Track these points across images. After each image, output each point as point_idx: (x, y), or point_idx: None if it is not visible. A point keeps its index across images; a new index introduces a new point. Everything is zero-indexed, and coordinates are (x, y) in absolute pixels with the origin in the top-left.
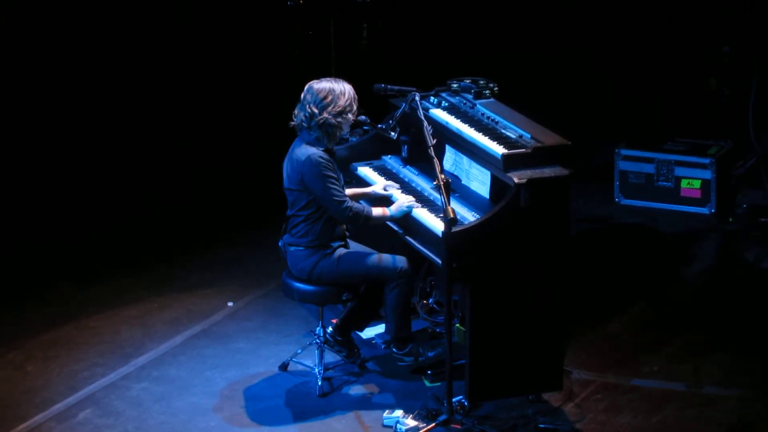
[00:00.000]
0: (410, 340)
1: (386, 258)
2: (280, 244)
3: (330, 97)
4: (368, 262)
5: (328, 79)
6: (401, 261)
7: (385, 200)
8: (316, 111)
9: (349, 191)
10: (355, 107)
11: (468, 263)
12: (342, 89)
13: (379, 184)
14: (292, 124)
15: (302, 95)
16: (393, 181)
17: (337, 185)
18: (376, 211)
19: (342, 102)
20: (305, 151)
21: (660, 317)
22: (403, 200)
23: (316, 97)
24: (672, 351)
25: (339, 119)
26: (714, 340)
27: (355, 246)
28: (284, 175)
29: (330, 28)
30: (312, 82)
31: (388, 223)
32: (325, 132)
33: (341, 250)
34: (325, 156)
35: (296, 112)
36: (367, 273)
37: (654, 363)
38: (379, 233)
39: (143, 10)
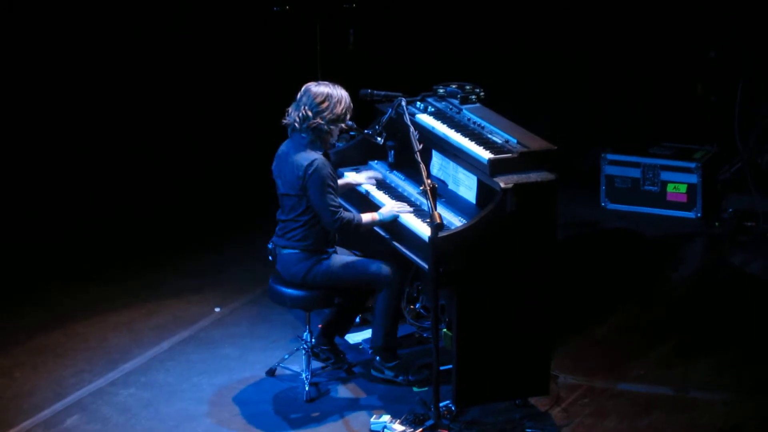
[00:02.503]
0: (398, 356)
1: (374, 265)
2: (269, 246)
3: (327, 103)
4: (357, 269)
5: (326, 83)
6: (389, 268)
7: (374, 205)
8: (310, 114)
9: None
10: (348, 116)
11: (455, 268)
12: (339, 96)
13: (359, 175)
14: (285, 122)
15: (298, 95)
16: (380, 186)
17: (334, 195)
18: (366, 217)
19: (338, 110)
20: (307, 156)
21: (646, 321)
22: (392, 204)
23: (312, 101)
24: (659, 355)
25: (332, 126)
26: (700, 344)
27: (343, 252)
28: (278, 180)
29: (316, 33)
30: (310, 84)
31: (376, 228)
32: (316, 136)
33: (335, 256)
34: (329, 164)
35: (290, 110)
36: (356, 279)
37: (641, 367)
38: (366, 239)
39: (134, 13)
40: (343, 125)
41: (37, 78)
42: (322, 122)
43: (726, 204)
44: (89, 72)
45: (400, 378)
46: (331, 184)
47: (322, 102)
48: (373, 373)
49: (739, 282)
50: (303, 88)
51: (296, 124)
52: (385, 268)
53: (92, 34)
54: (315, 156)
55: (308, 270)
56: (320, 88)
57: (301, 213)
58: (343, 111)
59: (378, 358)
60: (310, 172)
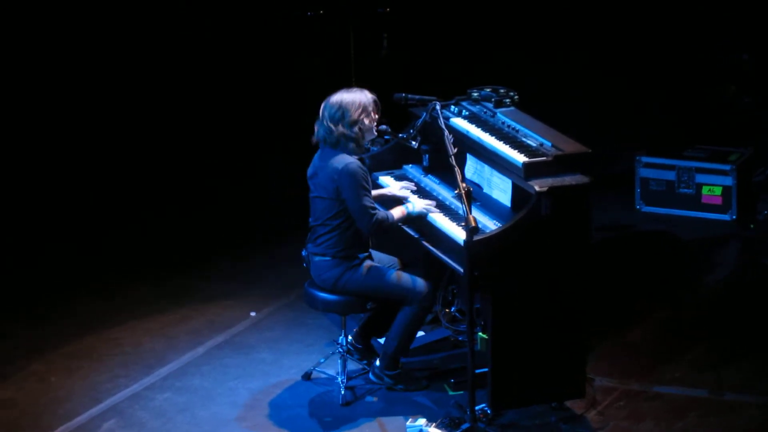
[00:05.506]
0: (400, 365)
1: (409, 279)
2: (303, 253)
3: (341, 111)
4: (392, 281)
5: (342, 90)
6: (424, 286)
7: (399, 202)
8: (332, 126)
9: None
10: (371, 111)
11: (490, 272)
12: (352, 99)
13: (394, 185)
14: (315, 140)
15: (320, 111)
16: (415, 191)
17: (370, 197)
18: (396, 212)
19: (354, 112)
20: (343, 160)
21: (681, 324)
22: (420, 201)
23: (330, 112)
24: (694, 358)
25: (355, 129)
26: (735, 347)
27: (377, 256)
28: (311, 183)
29: (350, 38)
30: (328, 97)
31: (406, 229)
32: (347, 142)
33: (368, 263)
34: (362, 166)
35: (316, 128)
36: (389, 291)
37: (676, 370)
38: (401, 243)
39: (154, 15)
40: (367, 122)
41: (69, 85)
42: (344, 129)
43: (761, 206)
44: (119, 79)
45: (399, 386)
46: (366, 186)
47: (338, 111)
48: (371, 377)
49: None
50: (323, 103)
51: (327, 139)
52: (420, 284)
53: (117, 39)
54: (350, 160)
55: (339, 277)
56: (335, 98)
57: (332, 217)
58: (359, 111)
59: (379, 363)
60: (344, 174)
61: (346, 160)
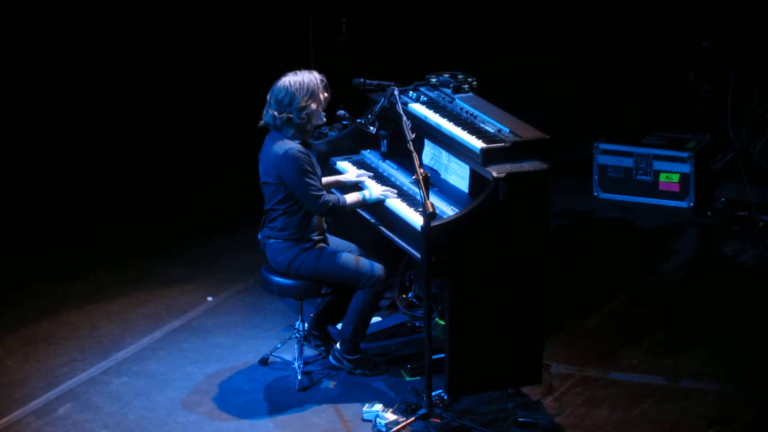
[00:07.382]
0: (360, 350)
1: (365, 263)
2: (259, 236)
3: (289, 97)
4: (346, 264)
5: (290, 74)
6: (379, 269)
7: (358, 188)
8: (276, 112)
9: (323, 180)
10: (319, 94)
11: (447, 257)
12: (299, 83)
13: (351, 172)
14: (261, 124)
15: (267, 96)
16: (372, 175)
17: (314, 180)
18: (351, 197)
19: (301, 98)
20: (283, 145)
21: (639, 311)
22: (378, 187)
23: (277, 98)
24: (651, 345)
25: (302, 115)
26: (693, 334)
27: (334, 241)
28: (260, 169)
29: (309, 24)
30: (276, 81)
31: (363, 213)
32: (296, 129)
33: (321, 246)
34: (303, 150)
35: (263, 113)
36: (344, 275)
37: (633, 357)
38: (359, 228)
39: (124, 7)
40: (314, 107)
41: (25, 74)
42: (292, 115)
43: (718, 193)
44: (81, 66)
45: (358, 371)
46: (309, 169)
47: (285, 96)
48: (331, 360)
49: (732, 272)
50: (271, 89)
51: (271, 124)
52: (378, 268)
53: (86, 31)
54: (291, 145)
55: (292, 259)
56: (282, 82)
57: (280, 201)
58: (308, 97)
59: (339, 347)
60: (284, 160)
61: (286, 145)
